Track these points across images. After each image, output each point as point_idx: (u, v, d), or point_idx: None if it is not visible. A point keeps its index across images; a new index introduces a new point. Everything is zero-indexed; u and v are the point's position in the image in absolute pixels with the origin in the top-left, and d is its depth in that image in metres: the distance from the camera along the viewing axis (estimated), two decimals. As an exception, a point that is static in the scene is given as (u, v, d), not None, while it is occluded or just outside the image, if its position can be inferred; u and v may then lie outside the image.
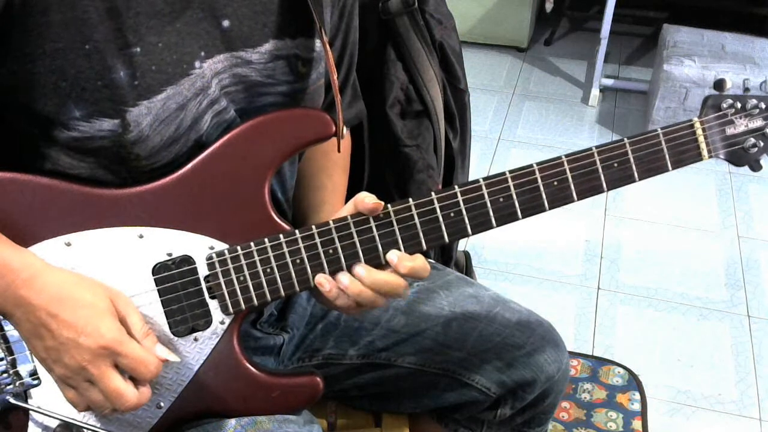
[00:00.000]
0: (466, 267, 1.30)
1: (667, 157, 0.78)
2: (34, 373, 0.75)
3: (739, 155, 0.80)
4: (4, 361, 0.75)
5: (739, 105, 0.79)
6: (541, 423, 1.05)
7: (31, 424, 0.77)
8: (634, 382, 1.79)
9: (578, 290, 2.07)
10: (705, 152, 0.79)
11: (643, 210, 2.36)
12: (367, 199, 0.75)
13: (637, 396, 1.76)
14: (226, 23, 0.76)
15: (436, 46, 1.12)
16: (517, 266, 2.15)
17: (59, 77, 0.70)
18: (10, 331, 0.74)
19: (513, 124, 2.82)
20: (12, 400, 0.75)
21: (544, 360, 0.97)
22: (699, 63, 2.54)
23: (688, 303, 2.03)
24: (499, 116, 2.85)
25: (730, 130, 0.79)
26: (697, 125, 0.78)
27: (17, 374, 0.75)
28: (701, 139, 0.79)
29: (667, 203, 2.39)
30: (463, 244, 2.09)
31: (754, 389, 1.78)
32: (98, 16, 0.69)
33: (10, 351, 0.75)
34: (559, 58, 3.26)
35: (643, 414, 1.72)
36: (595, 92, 2.91)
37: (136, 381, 0.72)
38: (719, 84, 0.79)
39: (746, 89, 0.80)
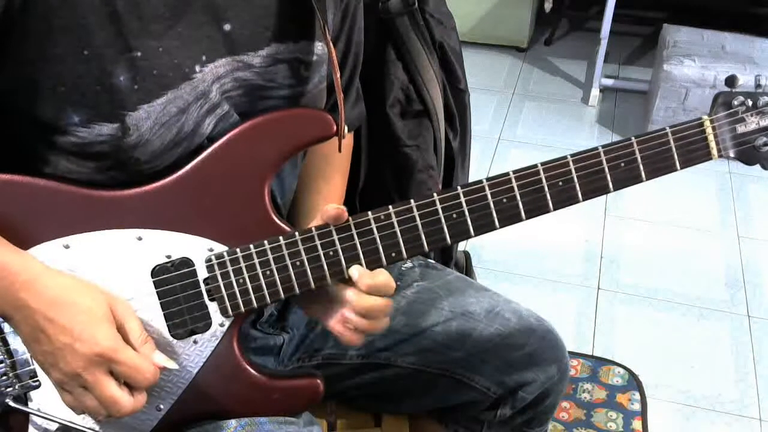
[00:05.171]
0: (466, 267, 1.30)
1: (675, 156, 0.76)
2: (33, 376, 0.75)
3: (750, 154, 0.78)
4: (4, 364, 0.75)
5: (750, 102, 0.77)
6: (541, 423, 1.04)
7: (30, 426, 0.76)
8: (634, 382, 1.79)
9: (578, 290, 2.07)
10: (714, 151, 0.77)
11: (643, 210, 2.36)
12: (329, 209, 0.75)
13: (637, 396, 1.76)
14: (227, 27, 0.76)
15: (436, 46, 1.12)
16: (517, 266, 2.14)
17: (58, 82, 0.70)
18: (10, 333, 0.74)
19: (513, 124, 2.81)
20: (12, 403, 0.74)
21: (544, 360, 0.97)
22: (699, 63, 2.54)
23: (688, 303, 2.03)
24: (499, 116, 2.85)
25: (740, 129, 0.77)
26: (707, 123, 0.77)
27: (17, 377, 0.75)
28: (711, 137, 0.77)
29: (667, 203, 2.38)
30: (463, 244, 2.08)
31: (754, 389, 1.78)
32: (98, 21, 0.69)
33: (9, 354, 0.75)
34: (559, 58, 3.26)
35: (643, 414, 1.72)
36: (595, 92, 2.91)
37: (132, 387, 0.72)
38: (730, 80, 0.77)
39: (758, 86, 0.77)
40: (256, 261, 0.76)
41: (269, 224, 0.77)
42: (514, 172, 0.76)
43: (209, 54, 0.75)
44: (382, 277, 0.76)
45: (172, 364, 0.74)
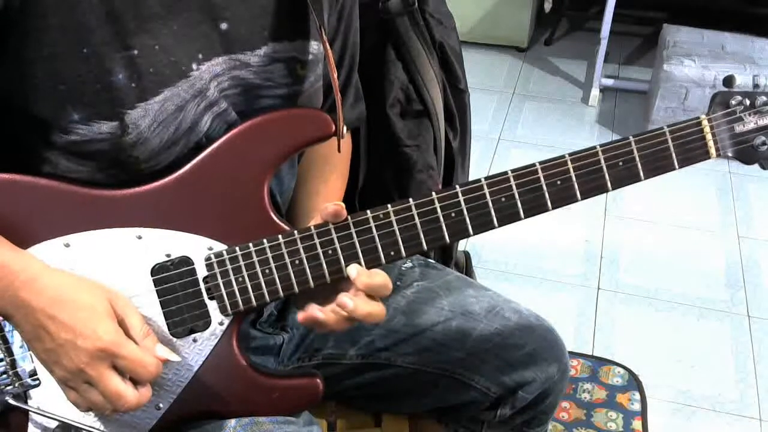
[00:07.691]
0: (466, 267, 1.30)
1: (673, 155, 0.76)
2: (33, 374, 0.75)
3: (749, 153, 0.78)
4: (4, 362, 0.75)
5: (748, 102, 0.77)
6: (541, 423, 1.04)
7: (30, 425, 0.77)
8: (634, 382, 1.79)
9: (578, 290, 2.07)
10: (713, 150, 0.77)
11: (643, 210, 2.36)
12: (328, 206, 0.75)
13: (637, 396, 1.76)
14: (224, 26, 0.76)
15: (436, 46, 1.12)
16: (517, 266, 2.14)
17: (57, 81, 0.70)
18: (10, 332, 0.74)
19: (513, 124, 2.81)
20: (12, 401, 0.75)
21: (544, 360, 0.97)
22: (699, 63, 2.54)
23: (688, 303, 2.03)
24: (499, 116, 2.85)
25: (738, 128, 0.77)
26: (705, 122, 0.77)
27: (17, 375, 0.75)
28: (709, 136, 0.77)
29: (667, 203, 2.39)
30: (463, 244, 2.08)
31: (754, 389, 1.78)
32: (96, 20, 0.69)
33: (9, 352, 0.75)
34: (559, 58, 3.26)
35: (643, 414, 1.72)
36: (595, 92, 2.91)
37: (136, 381, 0.72)
38: (728, 80, 0.77)
39: (756, 86, 0.78)
40: (256, 260, 0.76)
41: (268, 223, 0.78)
42: (513, 171, 0.76)
43: (205, 52, 0.75)
44: (380, 277, 0.76)
45: (174, 357, 0.74)
